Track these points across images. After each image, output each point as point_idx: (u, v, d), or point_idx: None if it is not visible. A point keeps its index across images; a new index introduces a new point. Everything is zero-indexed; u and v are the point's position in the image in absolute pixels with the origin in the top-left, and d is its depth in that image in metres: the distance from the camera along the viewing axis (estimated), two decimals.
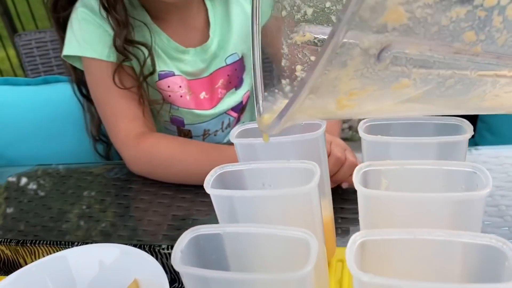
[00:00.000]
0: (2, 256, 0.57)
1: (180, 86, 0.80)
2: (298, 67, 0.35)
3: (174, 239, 0.59)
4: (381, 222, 0.33)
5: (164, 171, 0.71)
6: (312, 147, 0.41)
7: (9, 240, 0.56)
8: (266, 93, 0.35)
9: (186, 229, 0.60)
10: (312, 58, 0.34)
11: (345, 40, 0.20)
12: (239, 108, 0.87)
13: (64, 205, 0.72)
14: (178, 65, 0.79)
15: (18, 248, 0.56)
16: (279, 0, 0.34)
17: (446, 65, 0.24)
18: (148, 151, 0.71)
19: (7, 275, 0.56)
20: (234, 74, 0.84)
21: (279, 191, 0.34)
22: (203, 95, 0.82)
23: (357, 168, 0.34)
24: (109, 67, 0.72)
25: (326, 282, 0.39)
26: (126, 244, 0.48)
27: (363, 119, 0.41)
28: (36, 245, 0.55)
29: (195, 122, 0.84)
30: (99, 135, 0.86)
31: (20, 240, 0.55)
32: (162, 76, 0.79)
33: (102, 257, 0.47)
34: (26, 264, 0.57)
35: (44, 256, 0.51)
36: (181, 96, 0.81)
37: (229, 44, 0.80)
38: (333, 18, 0.34)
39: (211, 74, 0.82)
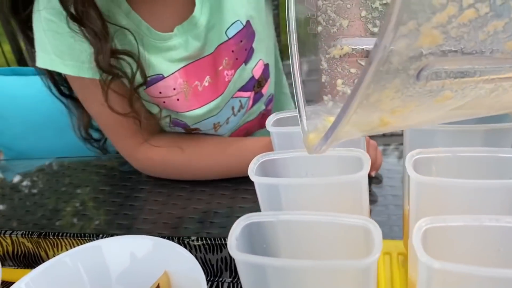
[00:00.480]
0: (23, 249, 0.56)
1: (174, 89, 0.66)
2: (339, 82, 0.34)
3: (198, 232, 0.58)
4: (433, 210, 0.33)
5: (180, 176, 0.70)
6: None
7: (31, 232, 0.55)
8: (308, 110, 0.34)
9: (208, 222, 0.61)
10: (352, 70, 0.34)
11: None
12: (252, 85, 0.71)
13: (79, 198, 0.70)
14: (168, 56, 0.65)
15: (40, 240, 0.54)
16: (313, 15, 0.34)
17: (488, 72, 0.24)
18: (159, 165, 0.69)
19: (28, 268, 0.56)
20: (240, 47, 0.67)
21: (329, 179, 0.33)
22: (207, 80, 0.68)
23: (408, 155, 0.33)
24: (94, 84, 0.60)
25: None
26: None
27: None
28: (59, 237, 0.53)
29: (201, 119, 0.71)
30: (89, 135, 0.75)
31: (43, 233, 0.54)
32: (150, 83, 0.65)
33: (135, 248, 0.46)
34: (48, 257, 0.56)
35: (67, 249, 0.50)
36: (178, 100, 0.67)
37: (225, 10, 0.64)
38: (370, 26, 0.34)
39: (212, 53, 0.66)
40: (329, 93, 0.34)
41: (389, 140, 0.78)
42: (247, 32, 0.67)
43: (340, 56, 0.34)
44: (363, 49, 0.34)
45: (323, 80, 0.34)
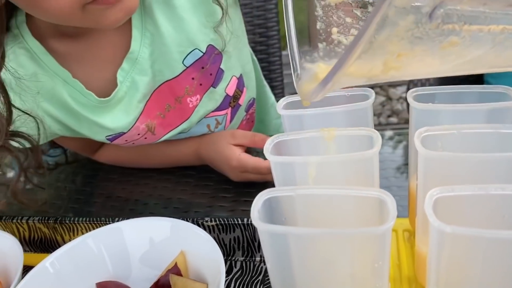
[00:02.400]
0: (39, 235, 0.58)
1: (138, 134, 0.66)
2: (334, 30, 0.33)
3: (208, 215, 0.60)
4: (440, 183, 0.35)
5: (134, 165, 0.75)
6: (361, 117, 0.42)
7: (47, 218, 0.56)
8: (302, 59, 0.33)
9: (217, 205, 0.63)
10: (348, 19, 0.33)
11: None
12: (227, 103, 0.69)
13: (91, 186, 0.72)
14: (120, 110, 0.62)
15: (57, 225, 0.56)
16: None
17: (496, 20, 0.24)
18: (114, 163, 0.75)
19: (44, 253, 0.57)
20: (203, 73, 0.64)
21: (342, 156, 0.35)
22: (167, 108, 0.66)
23: (417, 132, 0.35)
24: None
25: None
26: None
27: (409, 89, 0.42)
28: (75, 222, 0.55)
29: (173, 138, 0.71)
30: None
31: (59, 218, 0.56)
32: (113, 138, 0.65)
33: (153, 230, 0.48)
34: (64, 242, 0.57)
35: (83, 233, 0.52)
36: (145, 138, 0.67)
37: (175, 40, 0.61)
38: None
39: (165, 82, 0.63)
40: (324, 41, 0.34)
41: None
42: (209, 57, 0.64)
43: (335, 4, 0.33)
44: None
45: (317, 27, 0.34)
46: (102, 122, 0.62)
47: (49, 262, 0.44)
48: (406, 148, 0.68)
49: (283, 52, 0.97)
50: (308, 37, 0.35)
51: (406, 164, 0.64)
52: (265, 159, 0.63)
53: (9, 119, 0.54)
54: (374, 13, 0.20)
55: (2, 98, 0.53)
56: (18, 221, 0.57)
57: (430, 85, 0.92)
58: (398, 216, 0.51)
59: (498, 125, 0.35)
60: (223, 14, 0.61)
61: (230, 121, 0.74)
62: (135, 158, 0.74)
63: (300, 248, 0.30)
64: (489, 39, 0.24)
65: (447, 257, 0.29)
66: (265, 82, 0.90)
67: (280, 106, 0.44)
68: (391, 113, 2.13)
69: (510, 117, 0.39)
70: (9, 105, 0.53)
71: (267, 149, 0.37)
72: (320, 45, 0.34)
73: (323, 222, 0.33)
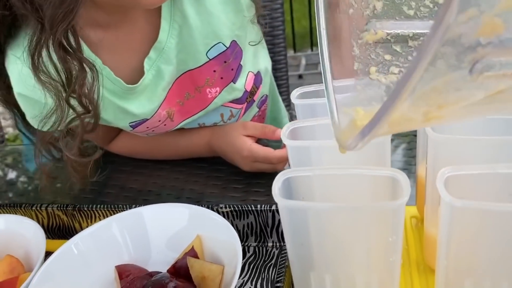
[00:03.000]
0: (58, 222, 0.59)
1: (159, 120, 0.68)
2: (372, 69, 0.31)
3: (222, 202, 0.62)
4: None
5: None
6: None
7: (66, 205, 0.58)
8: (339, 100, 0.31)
9: (228, 196, 0.65)
10: (387, 57, 0.31)
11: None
12: (245, 98, 0.72)
13: (100, 177, 0.74)
14: (145, 97, 0.64)
15: (75, 212, 0.58)
16: None
17: None
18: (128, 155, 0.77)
19: (63, 240, 0.59)
20: (225, 67, 0.67)
21: None
22: (187, 96, 0.68)
23: None
24: None
25: None
26: None
27: None
28: (93, 209, 0.57)
29: (188, 125, 0.73)
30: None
31: (77, 205, 0.58)
32: (136, 125, 0.67)
33: (172, 215, 0.50)
34: (82, 228, 0.59)
35: (100, 219, 0.54)
36: (165, 125, 0.70)
37: (203, 33, 0.63)
38: (405, 9, 0.31)
39: (188, 71, 0.66)
40: (362, 83, 0.31)
41: None
42: (232, 52, 0.66)
43: (373, 41, 0.32)
44: (398, 33, 0.31)
45: (355, 68, 0.32)
46: (128, 108, 0.64)
47: (74, 243, 0.46)
48: (413, 139, 0.70)
49: (289, 52, 0.98)
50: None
51: (413, 156, 0.66)
52: (275, 149, 0.65)
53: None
54: (409, 74, 0.18)
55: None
56: (38, 208, 0.59)
57: None
58: (406, 204, 0.54)
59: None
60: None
61: (243, 115, 0.76)
62: (149, 149, 0.75)
63: (318, 224, 0.32)
64: None
65: (457, 232, 0.30)
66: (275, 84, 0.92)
67: (294, 96, 0.46)
68: None
69: None
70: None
71: (284, 133, 0.39)
72: (358, 87, 0.32)
73: (339, 201, 0.35)
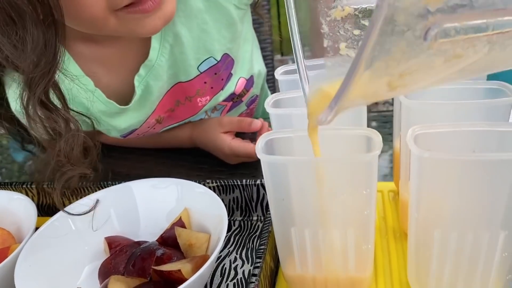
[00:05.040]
0: (48, 200, 0.61)
1: (148, 127, 0.70)
2: (342, 45, 0.32)
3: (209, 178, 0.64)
4: None
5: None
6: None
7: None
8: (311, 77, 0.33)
9: (215, 177, 0.66)
10: (355, 32, 0.32)
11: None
12: (231, 98, 0.74)
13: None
14: (135, 111, 0.65)
15: (65, 190, 0.59)
16: None
17: (501, 26, 0.22)
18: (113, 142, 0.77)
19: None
20: (215, 78, 0.68)
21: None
22: (177, 103, 0.69)
23: None
24: None
25: None
26: None
27: None
28: (82, 187, 0.58)
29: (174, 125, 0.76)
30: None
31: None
32: (125, 135, 0.70)
33: (160, 189, 0.52)
34: None
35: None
36: (154, 128, 0.72)
37: (193, 49, 0.63)
38: None
39: (179, 83, 0.66)
40: (333, 58, 0.32)
41: None
42: (223, 64, 0.67)
43: (341, 17, 0.32)
44: (365, 8, 0.32)
45: (325, 45, 0.33)
46: (118, 124, 0.65)
47: (63, 215, 0.47)
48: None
49: (276, 56, 1.00)
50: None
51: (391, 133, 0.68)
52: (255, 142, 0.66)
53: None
54: (363, 45, 0.19)
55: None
56: (28, 186, 0.60)
57: None
58: (384, 180, 0.57)
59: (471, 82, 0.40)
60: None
61: (228, 111, 0.78)
62: (135, 141, 0.77)
63: (297, 178, 0.34)
64: (497, 42, 0.22)
65: (425, 183, 0.33)
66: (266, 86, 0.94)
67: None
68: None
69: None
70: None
71: (267, 103, 0.42)
72: (328, 64, 0.33)
73: None
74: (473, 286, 0.36)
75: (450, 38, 0.21)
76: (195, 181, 0.53)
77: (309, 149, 0.37)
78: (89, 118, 0.56)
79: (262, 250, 0.43)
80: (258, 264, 0.41)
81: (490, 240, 0.34)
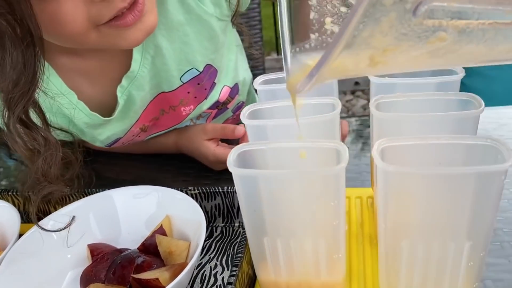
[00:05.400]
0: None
1: (133, 135, 0.71)
2: (328, 20, 0.33)
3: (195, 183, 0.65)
4: None
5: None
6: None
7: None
8: (293, 50, 0.33)
9: (201, 183, 0.67)
10: (342, 9, 0.32)
11: None
12: (215, 106, 0.75)
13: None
14: (118, 122, 0.66)
15: (50, 197, 0.60)
16: None
17: (486, 15, 0.23)
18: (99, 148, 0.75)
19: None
20: (199, 88, 0.69)
21: (305, 118, 0.41)
22: (162, 112, 0.70)
23: (372, 100, 0.41)
24: None
25: None
26: None
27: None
28: (68, 194, 0.59)
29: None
30: None
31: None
32: (110, 145, 0.70)
33: (141, 197, 0.53)
34: None
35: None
36: (139, 136, 0.73)
37: (175, 61, 0.64)
38: None
39: (162, 93, 0.67)
40: (316, 32, 0.33)
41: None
42: (206, 74, 0.68)
43: None
44: None
45: (311, 17, 0.33)
46: (101, 134, 0.66)
47: (47, 223, 0.48)
48: None
49: (272, 55, 1.01)
50: (301, 28, 0.34)
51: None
52: None
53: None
54: (355, 10, 0.20)
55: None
56: (14, 193, 0.61)
57: None
58: (364, 186, 0.58)
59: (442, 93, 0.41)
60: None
61: (213, 118, 0.79)
62: (121, 148, 0.77)
63: (267, 190, 0.35)
64: (479, 34, 0.23)
65: (391, 196, 0.34)
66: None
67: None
68: None
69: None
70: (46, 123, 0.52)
71: (243, 114, 0.43)
72: (312, 36, 0.33)
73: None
74: None
75: (437, 19, 0.21)
76: (176, 188, 0.54)
77: (281, 162, 0.38)
78: (70, 133, 0.57)
79: (239, 258, 0.44)
80: (234, 272, 0.42)
81: (455, 250, 0.35)
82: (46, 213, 0.61)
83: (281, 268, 0.39)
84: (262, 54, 1.22)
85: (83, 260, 0.51)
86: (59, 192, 0.53)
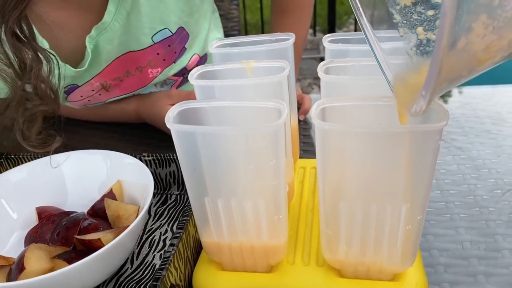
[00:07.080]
0: None
1: (92, 90, 0.69)
2: (419, 29, 0.30)
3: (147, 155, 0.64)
4: None
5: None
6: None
7: None
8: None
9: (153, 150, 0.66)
10: (429, 12, 0.30)
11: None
12: (182, 73, 0.75)
13: None
14: (79, 70, 0.64)
15: (2, 160, 0.59)
16: None
17: None
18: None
19: None
20: (169, 51, 0.69)
21: (254, 79, 0.40)
22: (127, 73, 0.69)
23: (320, 64, 0.40)
24: None
25: (292, 170, 0.46)
26: None
27: None
28: (21, 157, 0.58)
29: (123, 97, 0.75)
30: None
31: (4, 153, 0.59)
32: (67, 92, 0.68)
33: (89, 161, 0.52)
34: None
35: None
36: (100, 94, 0.71)
37: (149, 18, 0.64)
38: None
39: (127, 53, 0.67)
40: (413, 47, 0.30)
41: None
42: (178, 37, 0.68)
43: (411, 2, 0.31)
44: None
45: (401, 34, 0.31)
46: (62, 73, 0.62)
47: None
48: None
49: None
50: None
51: None
52: None
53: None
54: (440, 36, 0.19)
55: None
56: None
57: None
58: (309, 157, 0.57)
59: None
60: None
61: (177, 87, 0.78)
62: (82, 112, 0.77)
63: (207, 147, 0.35)
64: None
65: (328, 155, 0.34)
66: None
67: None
68: None
69: None
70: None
71: (191, 75, 0.42)
72: (409, 52, 0.31)
73: None
74: (381, 256, 0.37)
75: None
76: (131, 155, 0.53)
77: (223, 121, 0.38)
78: (54, 56, 0.55)
79: (184, 221, 0.44)
80: (178, 234, 0.42)
81: (393, 212, 0.35)
82: None
83: (223, 230, 0.39)
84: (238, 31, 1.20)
85: (32, 222, 0.50)
86: (46, 116, 0.54)
